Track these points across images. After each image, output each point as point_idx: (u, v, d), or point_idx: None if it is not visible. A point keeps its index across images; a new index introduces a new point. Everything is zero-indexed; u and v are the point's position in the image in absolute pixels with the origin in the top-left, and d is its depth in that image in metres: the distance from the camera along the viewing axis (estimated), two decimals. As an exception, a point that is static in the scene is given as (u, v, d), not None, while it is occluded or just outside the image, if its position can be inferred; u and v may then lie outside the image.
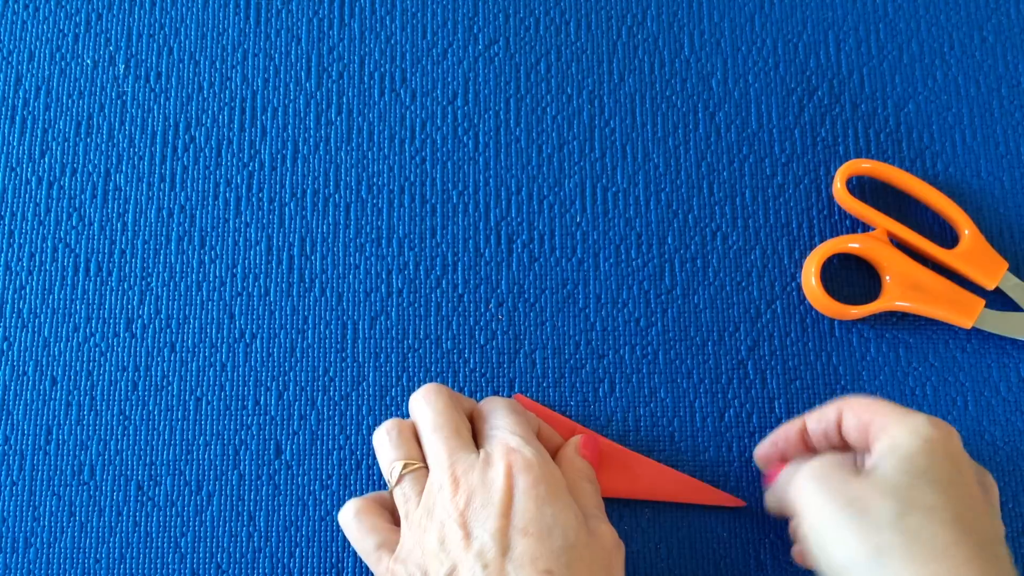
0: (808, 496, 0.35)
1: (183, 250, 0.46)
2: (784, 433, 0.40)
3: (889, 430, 0.35)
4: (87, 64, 0.48)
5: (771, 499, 0.40)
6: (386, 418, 0.43)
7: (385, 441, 0.39)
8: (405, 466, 0.37)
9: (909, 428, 0.35)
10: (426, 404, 0.38)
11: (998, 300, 0.45)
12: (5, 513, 0.42)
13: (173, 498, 0.43)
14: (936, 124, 0.48)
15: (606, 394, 0.44)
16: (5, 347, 0.44)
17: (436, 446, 0.37)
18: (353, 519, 0.38)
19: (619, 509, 0.42)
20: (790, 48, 0.49)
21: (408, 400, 0.40)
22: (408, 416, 0.40)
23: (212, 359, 0.44)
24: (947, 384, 0.45)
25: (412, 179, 0.47)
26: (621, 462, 0.42)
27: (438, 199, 0.47)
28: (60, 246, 0.46)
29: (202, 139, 0.47)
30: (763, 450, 0.41)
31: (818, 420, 0.39)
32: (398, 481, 0.38)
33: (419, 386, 0.44)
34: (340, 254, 0.46)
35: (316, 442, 0.43)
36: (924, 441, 0.35)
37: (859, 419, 0.37)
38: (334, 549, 0.42)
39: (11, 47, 0.48)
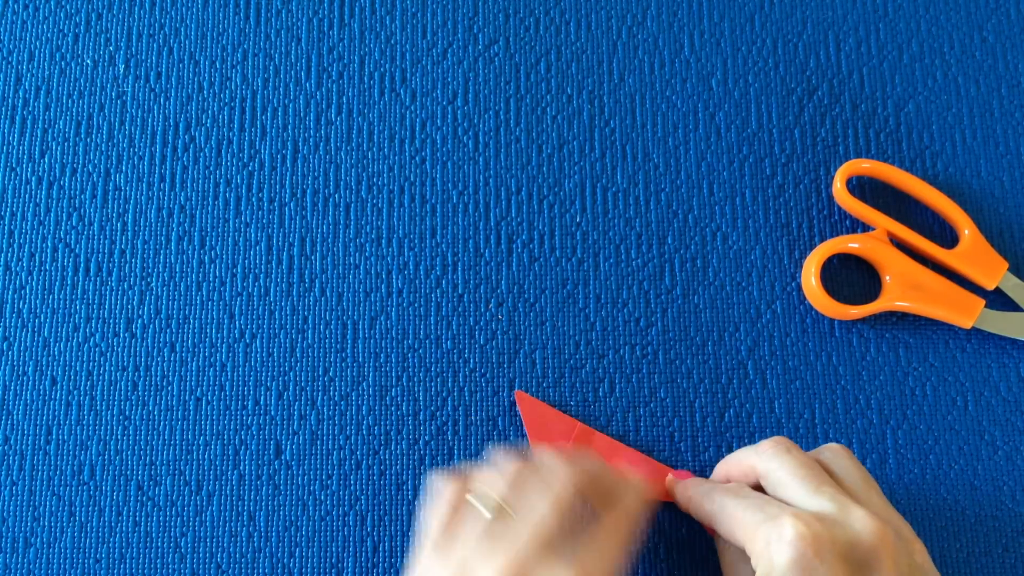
0: None
1: (183, 250, 0.46)
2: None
3: (753, 551, 0.34)
4: (87, 64, 0.48)
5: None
6: (386, 418, 0.44)
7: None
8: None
9: (769, 549, 0.33)
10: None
11: (998, 300, 0.45)
12: (5, 513, 0.42)
13: (173, 498, 0.43)
14: (936, 124, 0.48)
15: (606, 394, 0.44)
16: (5, 347, 0.44)
17: None
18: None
19: (619, 509, 0.42)
20: (790, 48, 0.49)
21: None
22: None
23: (212, 359, 0.44)
24: (947, 384, 0.45)
25: (412, 179, 0.47)
26: (621, 461, 0.42)
27: (438, 199, 0.47)
28: (60, 246, 0.46)
29: (202, 139, 0.47)
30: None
31: (697, 514, 0.38)
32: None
33: (419, 386, 0.44)
34: (340, 254, 0.46)
35: (316, 442, 0.43)
36: (785, 562, 0.32)
37: (726, 533, 0.36)
38: (334, 549, 0.42)
39: (11, 47, 0.48)
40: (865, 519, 0.33)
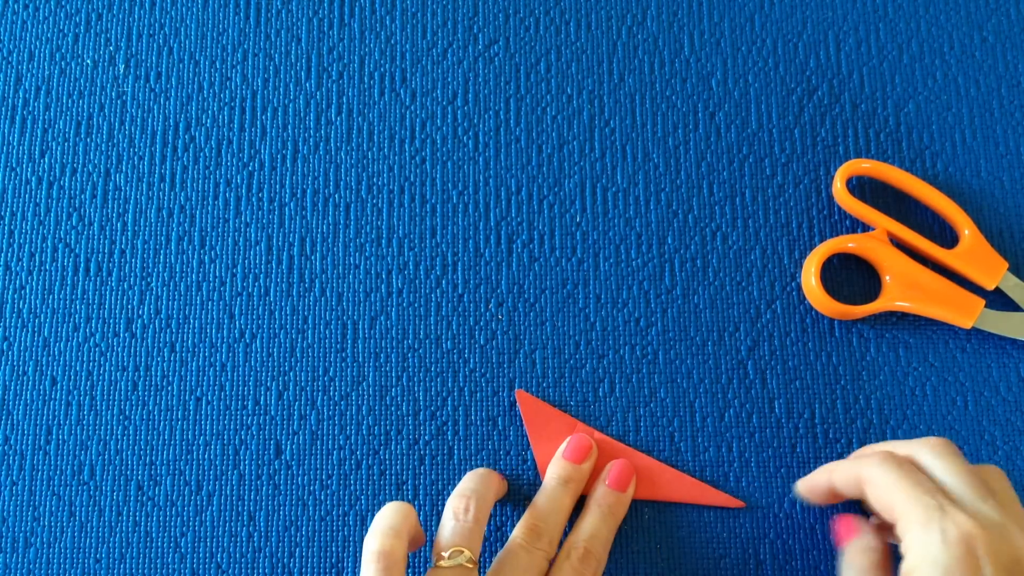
0: None
1: (183, 250, 0.46)
2: (812, 484, 0.40)
3: (914, 535, 0.33)
4: (87, 64, 0.48)
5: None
6: (386, 418, 0.44)
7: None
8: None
9: (934, 538, 0.33)
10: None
11: (998, 300, 0.45)
12: (5, 513, 0.42)
13: (173, 498, 0.43)
14: (936, 124, 0.48)
15: (606, 394, 0.44)
16: (5, 347, 0.44)
17: None
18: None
19: (619, 509, 0.42)
20: (790, 48, 0.49)
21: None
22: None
23: (212, 359, 0.44)
24: (947, 384, 0.45)
25: (412, 179, 0.47)
26: (620, 459, 0.42)
27: (438, 199, 0.47)
28: (60, 246, 0.46)
29: (202, 139, 0.47)
30: (803, 489, 0.41)
31: (844, 481, 0.38)
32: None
33: (419, 386, 0.44)
34: (340, 254, 0.46)
35: (316, 442, 0.43)
36: (951, 556, 0.32)
37: (880, 502, 0.36)
38: (334, 549, 0.42)
39: (11, 47, 0.48)
40: None
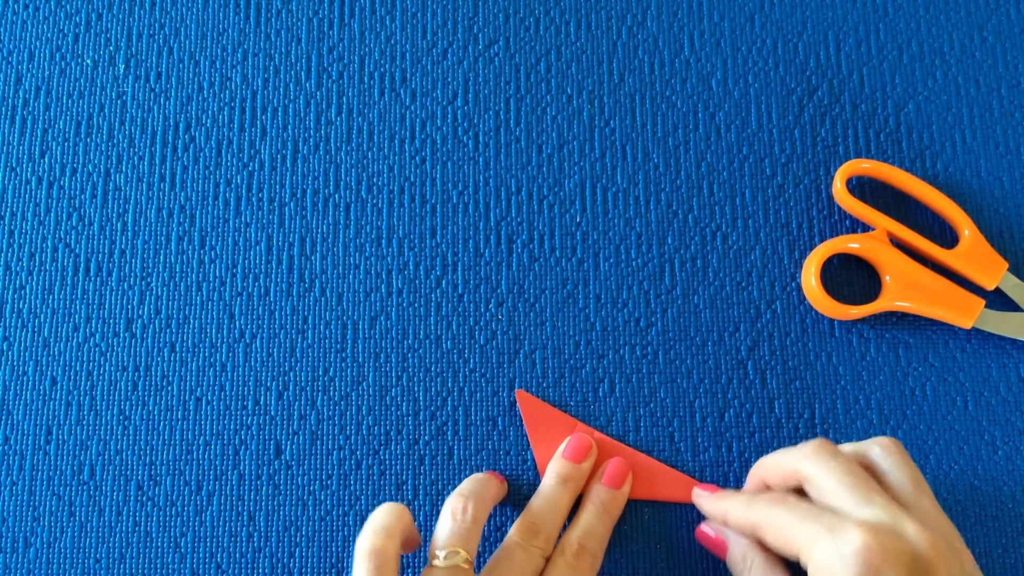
0: None
1: (183, 250, 0.46)
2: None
3: (814, 562, 0.33)
4: (87, 64, 0.48)
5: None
6: (386, 418, 0.44)
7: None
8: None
9: (833, 563, 0.32)
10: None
11: (998, 300, 0.45)
12: (5, 513, 0.42)
13: (173, 498, 0.43)
14: (936, 124, 0.48)
15: (606, 394, 0.44)
16: (5, 347, 0.44)
17: None
18: None
19: (619, 509, 0.42)
20: (790, 48, 0.49)
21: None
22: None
23: (212, 359, 0.44)
24: (947, 384, 0.45)
25: (412, 179, 0.47)
26: (619, 459, 0.42)
27: (438, 199, 0.47)
28: (60, 246, 0.46)
29: (202, 139, 0.47)
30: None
31: (737, 526, 0.38)
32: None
33: (419, 386, 0.44)
34: (340, 254, 0.46)
35: (316, 442, 0.43)
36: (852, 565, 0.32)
37: (776, 540, 0.35)
38: (334, 549, 0.42)
39: (11, 47, 0.48)
40: (919, 532, 0.33)
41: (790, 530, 0.35)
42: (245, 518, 0.42)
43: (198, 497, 0.43)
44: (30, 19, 0.49)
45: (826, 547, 0.33)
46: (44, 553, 0.42)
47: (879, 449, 0.37)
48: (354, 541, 0.42)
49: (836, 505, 0.35)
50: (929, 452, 0.44)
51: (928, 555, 0.32)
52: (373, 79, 0.48)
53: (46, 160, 0.47)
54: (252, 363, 0.44)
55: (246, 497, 0.43)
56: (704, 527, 0.41)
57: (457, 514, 0.38)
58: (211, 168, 0.47)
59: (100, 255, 0.45)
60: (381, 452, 0.43)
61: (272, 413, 0.44)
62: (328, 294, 0.45)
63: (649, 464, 0.43)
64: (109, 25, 0.49)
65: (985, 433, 0.44)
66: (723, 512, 0.39)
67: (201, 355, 0.44)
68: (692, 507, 0.43)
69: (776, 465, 0.38)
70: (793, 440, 0.44)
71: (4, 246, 0.45)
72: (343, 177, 0.47)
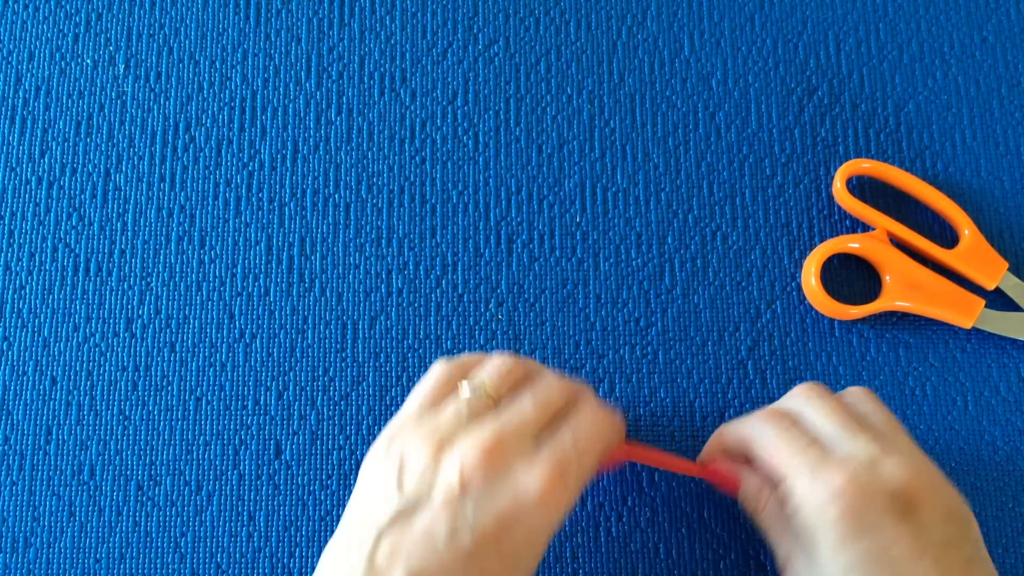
0: None
1: (183, 250, 0.46)
2: (707, 450, 0.41)
3: (800, 491, 0.34)
4: (87, 64, 0.48)
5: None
6: (386, 418, 0.44)
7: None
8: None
9: (820, 493, 0.33)
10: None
11: (998, 300, 0.45)
12: (5, 513, 0.42)
13: (173, 498, 0.43)
14: (936, 124, 0.48)
15: (606, 394, 0.44)
16: (5, 347, 0.44)
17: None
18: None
19: (619, 509, 0.42)
20: (790, 48, 0.49)
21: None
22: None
23: (212, 359, 0.44)
24: (947, 384, 0.45)
25: (412, 179, 0.47)
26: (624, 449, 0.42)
27: (438, 199, 0.47)
28: (60, 246, 0.46)
29: (202, 139, 0.47)
30: (703, 455, 0.42)
31: (733, 441, 0.39)
32: None
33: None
34: (340, 254, 0.46)
35: (316, 442, 0.43)
36: (837, 508, 0.33)
37: (764, 460, 0.36)
38: (334, 549, 0.42)
39: (11, 47, 0.48)
40: (903, 465, 0.34)
41: (778, 456, 0.36)
42: (245, 518, 0.42)
43: (198, 497, 0.43)
44: (30, 19, 0.49)
45: (806, 486, 0.34)
46: (44, 553, 0.42)
47: (853, 398, 0.39)
48: (354, 541, 0.42)
49: (825, 434, 0.36)
50: (929, 452, 0.44)
51: (912, 488, 0.34)
52: (373, 79, 0.48)
53: (46, 160, 0.47)
54: (252, 363, 0.44)
55: (246, 497, 0.43)
56: (720, 462, 0.41)
57: (517, 367, 0.37)
58: (211, 168, 0.47)
59: (100, 255, 0.45)
60: (381, 452, 0.43)
61: (272, 413, 0.44)
62: (328, 294, 0.45)
63: (649, 449, 0.42)
64: (109, 25, 0.49)
65: (985, 433, 0.44)
66: (720, 433, 0.40)
67: (201, 355, 0.44)
68: (692, 507, 0.43)
69: (772, 411, 0.39)
70: (793, 440, 0.44)
71: (4, 246, 0.45)
72: (343, 177, 0.47)
